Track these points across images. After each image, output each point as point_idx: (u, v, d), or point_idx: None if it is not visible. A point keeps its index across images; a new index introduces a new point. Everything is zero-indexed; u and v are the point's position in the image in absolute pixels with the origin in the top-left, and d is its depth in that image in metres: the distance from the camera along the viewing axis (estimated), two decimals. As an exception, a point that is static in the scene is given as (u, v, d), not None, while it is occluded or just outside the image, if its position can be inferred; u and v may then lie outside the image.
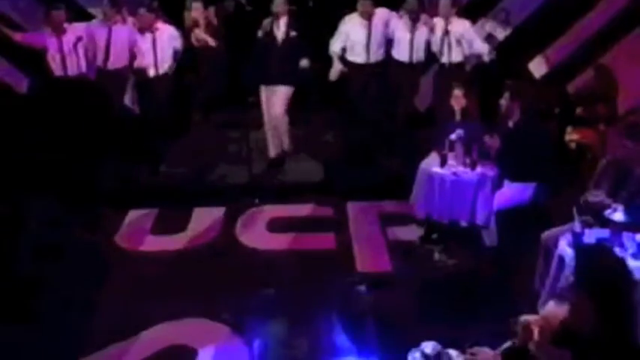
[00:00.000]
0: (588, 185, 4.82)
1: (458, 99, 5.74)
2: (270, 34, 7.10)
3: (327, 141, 7.60)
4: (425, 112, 7.68)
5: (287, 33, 7.08)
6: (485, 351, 3.09)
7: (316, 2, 8.90)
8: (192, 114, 7.77)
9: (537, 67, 7.91)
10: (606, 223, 4.29)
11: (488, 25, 8.05)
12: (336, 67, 7.45)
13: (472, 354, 3.04)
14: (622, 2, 7.43)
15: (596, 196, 4.51)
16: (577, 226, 4.20)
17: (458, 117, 5.72)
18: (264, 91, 7.27)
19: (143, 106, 7.45)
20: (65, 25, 7.09)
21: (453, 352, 3.01)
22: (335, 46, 7.43)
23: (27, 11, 7.63)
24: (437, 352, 2.92)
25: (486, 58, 7.23)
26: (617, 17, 7.46)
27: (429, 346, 2.94)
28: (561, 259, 4.19)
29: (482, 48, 7.22)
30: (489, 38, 7.86)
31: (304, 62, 7.08)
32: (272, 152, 7.40)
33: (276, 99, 7.19)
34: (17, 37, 7.12)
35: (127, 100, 7.60)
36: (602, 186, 4.62)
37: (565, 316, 2.38)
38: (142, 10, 7.16)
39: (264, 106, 7.32)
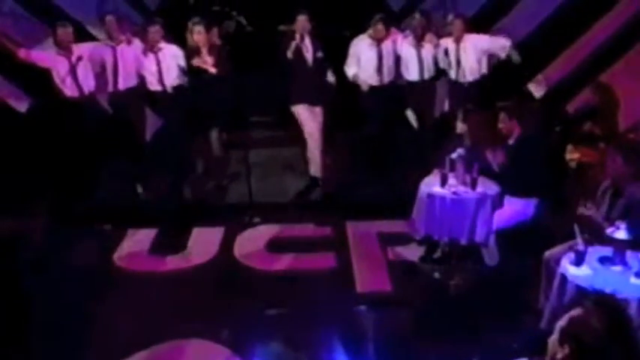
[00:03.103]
0: (589, 203, 4.79)
1: (460, 124, 5.76)
2: (299, 56, 7.09)
3: (326, 160, 7.56)
4: (440, 118, 7.64)
5: (315, 54, 7.12)
6: None
7: (317, 21, 8.90)
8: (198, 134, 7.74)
9: (537, 87, 7.92)
10: (608, 241, 4.27)
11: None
12: (364, 87, 7.42)
13: None
14: (621, 20, 7.48)
15: (589, 209, 4.49)
16: (580, 244, 4.16)
17: (465, 140, 5.71)
18: (304, 110, 7.21)
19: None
20: (72, 45, 7.07)
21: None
22: (351, 72, 7.40)
23: (29, 32, 7.61)
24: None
25: (503, 55, 7.18)
26: (616, 35, 7.51)
27: (431, 366, 2.88)
28: (564, 278, 4.15)
29: (498, 45, 7.17)
30: (491, 57, 7.86)
31: (331, 76, 7.16)
32: (313, 171, 7.32)
33: (315, 119, 7.20)
34: (21, 53, 7.05)
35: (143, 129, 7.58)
36: (601, 206, 4.60)
37: (571, 318, 2.36)
38: (155, 28, 7.13)
39: (305, 123, 7.24)
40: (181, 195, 7.31)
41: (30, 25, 7.72)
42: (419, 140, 7.46)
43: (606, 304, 2.45)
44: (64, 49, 7.03)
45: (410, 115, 7.45)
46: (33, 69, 7.23)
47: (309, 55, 7.13)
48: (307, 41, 7.12)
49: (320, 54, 7.13)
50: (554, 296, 4.24)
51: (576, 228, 4.22)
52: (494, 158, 5.49)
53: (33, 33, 7.59)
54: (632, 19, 7.54)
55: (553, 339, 2.47)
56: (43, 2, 7.75)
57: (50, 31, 7.35)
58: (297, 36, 7.06)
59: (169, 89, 7.20)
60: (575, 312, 2.42)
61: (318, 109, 7.24)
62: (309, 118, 7.21)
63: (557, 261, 4.48)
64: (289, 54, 7.06)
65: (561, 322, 2.42)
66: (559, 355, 2.34)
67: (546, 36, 7.81)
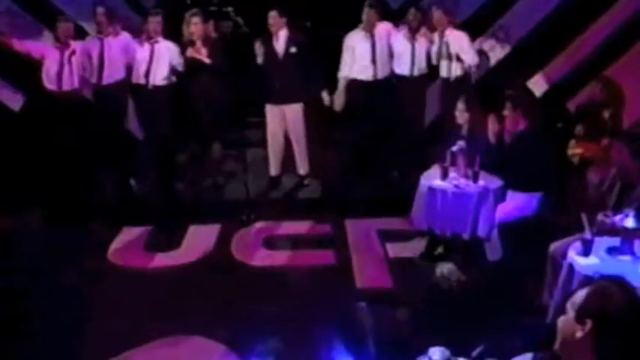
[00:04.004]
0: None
1: (461, 113, 5.64)
2: (270, 51, 6.95)
3: (324, 157, 7.47)
4: (429, 126, 7.56)
5: (287, 48, 6.96)
6: None
7: (314, 23, 8.83)
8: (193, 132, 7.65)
9: (537, 85, 7.83)
10: (616, 231, 4.16)
11: (487, 44, 7.98)
12: (339, 98, 7.22)
13: None
14: (622, 17, 7.41)
15: (609, 216, 4.39)
16: (587, 233, 4.05)
17: (464, 131, 5.60)
18: (269, 110, 7.13)
19: (140, 120, 7.35)
20: (70, 40, 7.04)
21: (464, 362, 2.83)
22: (344, 68, 7.25)
23: (26, 29, 7.52)
24: (446, 358, 2.74)
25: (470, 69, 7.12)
26: (617, 32, 7.44)
27: (437, 352, 2.76)
28: (571, 268, 4.04)
29: (470, 60, 7.11)
30: (482, 57, 7.78)
31: (325, 95, 7.00)
32: (273, 171, 7.27)
33: (290, 119, 7.06)
34: (15, 43, 7.00)
35: (132, 125, 7.52)
36: (608, 198, 4.51)
37: (589, 292, 2.22)
38: (156, 19, 7.06)
39: (268, 124, 7.17)
40: (170, 192, 7.21)
41: (25, 22, 7.64)
42: (415, 137, 7.35)
43: (623, 282, 2.32)
44: (62, 43, 7.00)
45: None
46: (27, 67, 7.15)
47: (280, 50, 6.95)
48: (281, 36, 6.96)
49: (293, 49, 6.94)
50: (560, 287, 4.15)
51: (584, 218, 4.11)
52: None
53: (28, 30, 7.52)
54: (632, 17, 7.47)
55: (566, 319, 2.31)
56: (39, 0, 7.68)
57: (45, 28, 7.36)
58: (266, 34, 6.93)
59: (151, 86, 7.06)
60: (592, 288, 2.29)
61: (295, 107, 7.05)
62: (275, 116, 7.08)
63: (563, 254, 4.39)
64: (257, 53, 6.90)
65: (576, 300, 2.28)
66: (579, 334, 2.19)
67: (546, 34, 7.73)
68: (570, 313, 2.28)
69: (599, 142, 6.00)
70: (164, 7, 7.88)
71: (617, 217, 4.05)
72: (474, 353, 3.04)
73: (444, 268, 5.49)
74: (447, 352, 2.74)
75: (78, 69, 7.06)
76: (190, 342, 4.69)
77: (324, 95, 7.03)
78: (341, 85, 7.26)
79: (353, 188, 7.14)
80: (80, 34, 7.43)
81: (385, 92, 7.26)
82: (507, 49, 7.92)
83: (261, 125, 7.72)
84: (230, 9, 9.32)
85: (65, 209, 6.61)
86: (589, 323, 2.15)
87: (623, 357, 2.15)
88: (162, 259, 5.94)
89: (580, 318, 2.22)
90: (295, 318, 4.93)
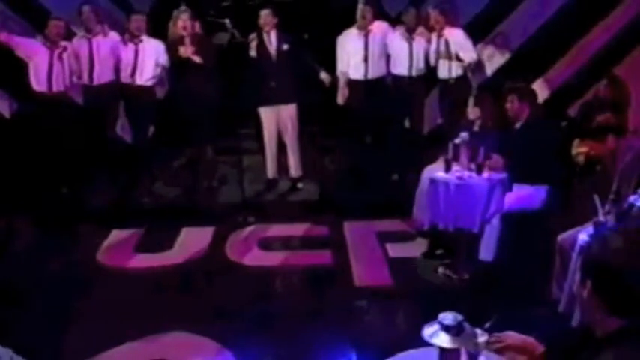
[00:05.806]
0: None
1: (472, 109, 5.48)
2: (263, 52, 6.84)
3: (322, 159, 7.31)
4: (430, 132, 7.42)
5: (279, 47, 6.83)
6: (512, 334, 2.64)
7: (312, 35, 8.73)
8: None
9: (538, 91, 7.69)
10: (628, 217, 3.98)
11: (486, 51, 7.89)
12: (342, 91, 7.10)
13: (498, 340, 2.59)
14: (622, 21, 7.34)
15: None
16: (600, 216, 3.87)
17: (477, 127, 5.44)
18: (264, 112, 6.97)
19: (130, 121, 7.20)
20: (60, 40, 6.91)
21: (477, 330, 2.62)
22: (342, 65, 7.12)
23: (17, 32, 7.40)
24: (458, 322, 2.53)
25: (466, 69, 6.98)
26: (617, 36, 7.37)
27: (448, 317, 2.55)
28: (583, 251, 3.83)
29: (469, 58, 6.98)
30: (481, 63, 7.67)
31: (323, 75, 6.83)
32: (270, 174, 7.10)
33: (284, 119, 6.91)
34: (2, 36, 6.83)
35: (118, 128, 7.38)
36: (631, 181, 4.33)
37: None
38: (139, 17, 6.95)
39: (264, 127, 7.02)
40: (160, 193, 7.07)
41: (17, 25, 7.52)
42: (415, 139, 7.20)
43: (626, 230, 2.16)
44: (52, 42, 6.84)
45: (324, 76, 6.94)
46: (17, 71, 6.99)
47: (272, 50, 6.82)
48: (272, 36, 6.83)
49: (286, 46, 6.80)
50: (570, 277, 3.96)
51: (596, 200, 3.93)
52: (495, 164, 5.21)
53: (20, 33, 7.38)
54: (631, 22, 7.40)
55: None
56: (30, 3, 7.56)
57: (37, 32, 7.18)
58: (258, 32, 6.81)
59: (137, 86, 6.92)
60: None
61: (289, 107, 6.91)
62: (271, 117, 6.94)
63: (572, 244, 4.21)
64: (252, 53, 6.78)
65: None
66: (585, 294, 2.01)
67: (546, 40, 7.65)
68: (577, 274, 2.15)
69: (604, 141, 5.84)
70: (158, 15, 7.79)
71: (632, 197, 3.87)
72: (487, 325, 2.85)
73: (446, 267, 5.28)
74: (460, 317, 2.52)
75: (68, 69, 6.91)
76: (184, 338, 4.47)
77: (323, 75, 6.86)
78: (341, 80, 7.11)
79: (351, 191, 6.97)
80: (70, 38, 7.33)
81: (377, 92, 7.10)
82: (507, 55, 7.84)
83: (257, 136, 7.60)
84: (227, 20, 9.22)
85: (55, 211, 6.47)
86: (588, 283, 1.99)
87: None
88: (154, 260, 5.72)
89: (582, 280, 2.05)
90: (293, 318, 4.74)
